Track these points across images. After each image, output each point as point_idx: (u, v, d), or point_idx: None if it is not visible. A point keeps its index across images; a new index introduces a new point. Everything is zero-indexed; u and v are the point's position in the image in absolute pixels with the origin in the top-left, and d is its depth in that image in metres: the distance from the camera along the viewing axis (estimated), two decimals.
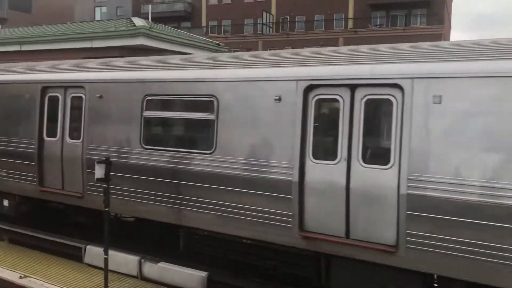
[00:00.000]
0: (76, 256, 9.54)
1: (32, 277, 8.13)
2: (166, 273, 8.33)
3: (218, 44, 21.50)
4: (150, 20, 23.61)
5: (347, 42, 45.48)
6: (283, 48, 43.44)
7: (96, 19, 51.92)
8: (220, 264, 8.26)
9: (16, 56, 19.51)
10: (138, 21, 18.47)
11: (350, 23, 50.76)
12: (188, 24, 56.91)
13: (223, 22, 56.02)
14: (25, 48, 19.77)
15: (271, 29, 53.69)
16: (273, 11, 53.85)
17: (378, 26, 49.59)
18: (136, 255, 8.82)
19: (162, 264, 8.46)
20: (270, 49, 45.93)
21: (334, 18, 51.46)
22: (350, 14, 50.94)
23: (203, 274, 7.98)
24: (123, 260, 8.83)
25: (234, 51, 41.55)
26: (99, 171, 7.53)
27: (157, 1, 58.71)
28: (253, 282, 7.86)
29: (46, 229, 10.40)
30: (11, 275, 8.15)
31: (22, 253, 9.92)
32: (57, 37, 18.91)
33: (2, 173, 10.59)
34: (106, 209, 7.67)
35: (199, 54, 17.02)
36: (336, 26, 51.46)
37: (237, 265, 8.17)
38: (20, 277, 8.03)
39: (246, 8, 54.53)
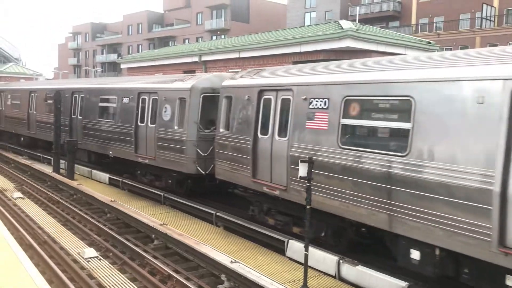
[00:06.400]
0: (278, 248, 10.15)
1: (241, 263, 8.87)
2: (364, 277, 8.22)
3: (429, 43, 20.28)
4: (357, 22, 23.58)
5: None
6: (506, 44, 38.64)
7: (306, 24, 54.25)
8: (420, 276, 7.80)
9: (235, 63, 21.67)
10: (345, 24, 18.64)
11: None
12: (396, 23, 55.14)
13: (435, 19, 52.60)
14: (243, 55, 21.77)
15: (492, 23, 48.30)
16: (495, 3, 48.32)
17: None
18: (335, 255, 8.93)
19: (360, 268, 8.38)
20: (489, 45, 41.40)
21: None
22: None
23: (403, 284, 7.63)
24: (322, 258, 9.03)
25: (446, 50, 38.71)
26: (302, 170, 7.90)
27: (364, 3, 58.44)
28: None
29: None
30: (224, 259, 9.05)
31: (233, 239, 11.02)
32: (270, 44, 20.31)
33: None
34: (308, 206, 7.94)
35: None
36: None
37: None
38: (231, 262, 8.85)
39: (462, 2, 50.12)
